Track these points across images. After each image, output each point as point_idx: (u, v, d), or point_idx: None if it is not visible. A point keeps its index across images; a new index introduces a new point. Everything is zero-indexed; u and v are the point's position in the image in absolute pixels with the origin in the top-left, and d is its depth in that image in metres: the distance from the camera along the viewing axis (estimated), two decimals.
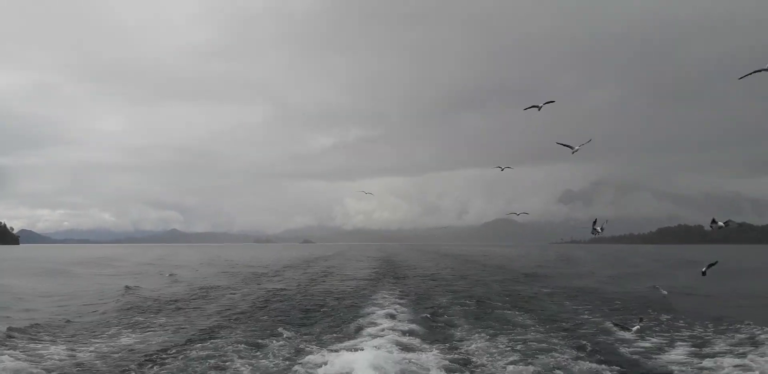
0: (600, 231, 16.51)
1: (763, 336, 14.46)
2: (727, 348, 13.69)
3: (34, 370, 11.50)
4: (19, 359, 12.24)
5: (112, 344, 14.44)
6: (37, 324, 17.01)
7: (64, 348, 13.79)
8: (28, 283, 33.54)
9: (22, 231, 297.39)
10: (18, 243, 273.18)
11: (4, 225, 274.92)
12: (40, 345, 14.02)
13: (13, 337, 14.70)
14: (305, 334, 15.61)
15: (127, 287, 28.63)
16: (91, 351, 13.51)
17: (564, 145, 16.21)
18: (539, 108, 16.24)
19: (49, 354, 13.04)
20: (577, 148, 16.02)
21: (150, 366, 11.94)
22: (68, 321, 18.25)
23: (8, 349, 13.20)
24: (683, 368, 11.85)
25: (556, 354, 12.62)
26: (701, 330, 16.17)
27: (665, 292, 26.51)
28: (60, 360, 12.50)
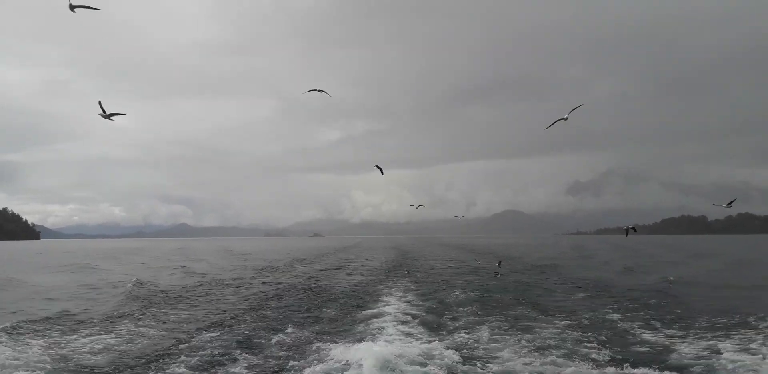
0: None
1: None
2: (738, 342, 13.66)
3: (40, 362, 11.74)
4: (30, 348, 12.57)
5: (120, 336, 14.71)
6: (47, 317, 17.52)
7: (70, 340, 14.10)
8: (48, 277, 34.49)
9: (34, 226, 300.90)
10: (39, 238, 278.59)
11: (26, 221, 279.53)
12: (48, 337, 14.35)
13: (26, 328, 15.14)
14: (314, 327, 15.80)
15: (138, 280, 28.94)
16: (100, 343, 13.77)
17: (555, 122, 15.36)
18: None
19: (55, 346, 13.36)
20: (566, 116, 15.15)
21: (158, 358, 12.02)
22: (77, 314, 18.71)
23: (22, 339, 13.58)
24: (691, 359, 11.85)
25: (565, 346, 12.79)
26: (710, 321, 16.21)
27: (672, 278, 27.11)
28: (68, 352, 12.76)
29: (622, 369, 10.98)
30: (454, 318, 17.04)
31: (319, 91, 17.80)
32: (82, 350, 13.06)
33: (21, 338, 14.05)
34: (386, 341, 13.07)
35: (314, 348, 12.78)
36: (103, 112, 13.38)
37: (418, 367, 11.04)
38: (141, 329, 15.76)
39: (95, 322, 17.07)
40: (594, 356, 11.85)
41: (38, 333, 14.91)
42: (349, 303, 20.30)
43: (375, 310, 18.26)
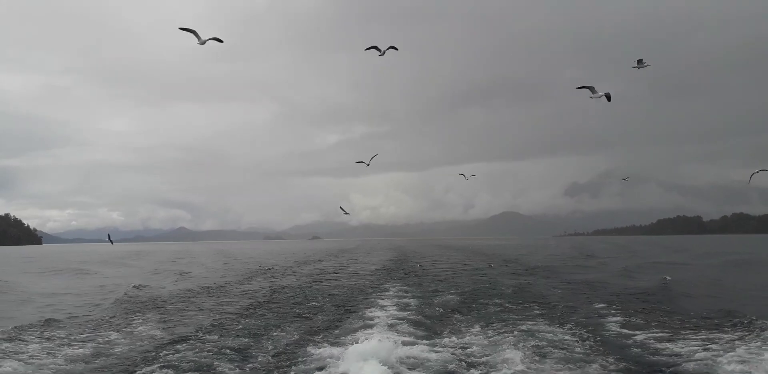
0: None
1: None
2: (732, 343, 13.63)
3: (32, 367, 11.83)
4: (24, 355, 12.71)
5: (115, 340, 14.75)
6: (49, 319, 17.82)
7: (66, 345, 14.16)
8: (45, 281, 34.75)
9: (36, 231, 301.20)
10: (41, 243, 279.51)
11: (28, 226, 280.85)
12: (45, 342, 14.42)
13: (22, 334, 15.20)
14: (310, 329, 15.86)
15: (135, 286, 28.79)
16: (97, 346, 13.82)
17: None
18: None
19: (52, 350, 13.43)
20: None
21: (151, 362, 12.02)
22: (69, 318, 18.88)
23: (18, 346, 13.67)
24: (685, 360, 11.90)
25: (559, 347, 12.84)
26: (705, 322, 16.30)
27: (668, 279, 27.26)
28: (65, 357, 12.81)
29: (617, 371, 11.03)
30: (450, 320, 17.05)
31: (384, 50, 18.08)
32: (79, 353, 13.14)
33: (17, 342, 14.13)
34: (381, 342, 12.96)
35: (309, 350, 12.80)
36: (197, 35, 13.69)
37: (413, 368, 11.08)
38: (136, 333, 15.81)
39: (93, 326, 17.19)
40: (589, 358, 11.90)
41: (36, 337, 14.97)
42: (346, 305, 20.37)
43: (370, 312, 18.32)
